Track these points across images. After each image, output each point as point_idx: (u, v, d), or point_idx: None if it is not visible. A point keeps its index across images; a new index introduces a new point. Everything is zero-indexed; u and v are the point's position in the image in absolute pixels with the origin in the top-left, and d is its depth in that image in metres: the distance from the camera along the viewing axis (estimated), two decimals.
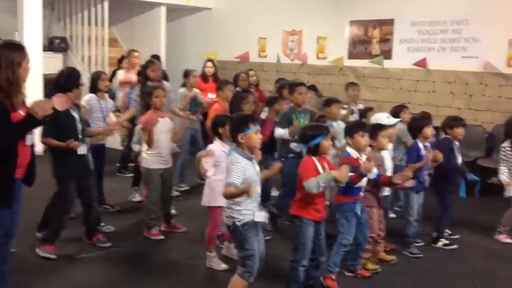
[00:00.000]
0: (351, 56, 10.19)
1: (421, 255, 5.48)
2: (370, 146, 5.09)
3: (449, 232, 5.88)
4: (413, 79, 9.43)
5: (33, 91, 9.49)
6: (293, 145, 5.98)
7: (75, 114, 5.18)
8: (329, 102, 6.53)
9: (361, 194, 4.82)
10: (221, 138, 5.03)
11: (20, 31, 9.55)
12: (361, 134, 4.79)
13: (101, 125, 6.26)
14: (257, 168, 4.04)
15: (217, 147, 5.01)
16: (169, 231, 6.02)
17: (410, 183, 5.06)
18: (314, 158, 4.31)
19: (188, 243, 5.75)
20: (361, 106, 7.87)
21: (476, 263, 5.40)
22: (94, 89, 6.44)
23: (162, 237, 5.81)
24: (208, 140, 6.86)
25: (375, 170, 4.79)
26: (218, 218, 5.06)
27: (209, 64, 9.62)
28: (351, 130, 4.88)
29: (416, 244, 5.61)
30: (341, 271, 4.93)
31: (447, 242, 5.78)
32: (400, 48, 9.55)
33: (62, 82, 5.24)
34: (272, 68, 11.24)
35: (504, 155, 6.00)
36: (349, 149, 4.84)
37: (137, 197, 7.13)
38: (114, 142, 9.24)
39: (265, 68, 11.32)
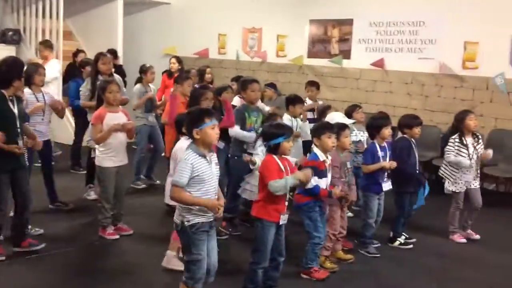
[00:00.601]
0: (311, 55, 10.22)
1: (378, 255, 5.50)
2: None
3: (406, 235, 5.90)
4: (370, 79, 9.52)
5: None
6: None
7: (15, 110, 4.95)
8: (293, 101, 6.50)
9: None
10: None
11: None
12: (328, 135, 4.75)
13: (39, 119, 6.03)
14: (214, 167, 3.85)
15: (185, 144, 4.88)
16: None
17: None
18: (275, 157, 4.26)
19: (143, 243, 5.62)
20: (320, 102, 7.93)
21: (432, 262, 5.45)
22: (28, 82, 5.93)
23: (117, 236, 5.66)
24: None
25: (313, 181, 4.72)
26: None
27: (173, 60, 9.51)
28: (318, 131, 4.82)
29: (374, 246, 5.63)
30: (298, 269, 4.92)
31: (402, 241, 5.82)
32: (358, 48, 9.63)
33: (4, 71, 4.93)
34: (231, 65, 11.17)
35: (452, 147, 5.99)
36: (316, 150, 4.81)
37: (92, 195, 6.95)
38: (66, 137, 9.02)
39: (225, 65, 11.24)
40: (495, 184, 8.12)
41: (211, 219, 3.84)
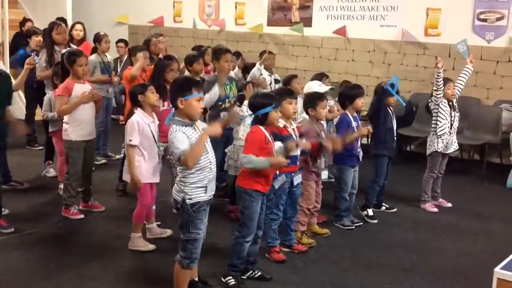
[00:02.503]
0: (271, 23, 9.96)
1: (353, 227, 5.42)
2: (308, 115, 4.94)
3: (387, 206, 5.89)
4: (332, 47, 9.37)
5: None
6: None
7: None
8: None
9: (297, 164, 4.59)
10: (141, 107, 4.71)
11: None
12: (289, 101, 4.52)
13: None
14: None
15: (139, 117, 4.68)
16: (88, 210, 5.58)
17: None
18: (262, 128, 4.03)
19: (110, 222, 5.37)
20: (276, 75, 7.70)
21: (408, 233, 5.41)
22: None
23: (81, 216, 5.37)
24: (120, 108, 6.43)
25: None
26: (147, 195, 4.76)
27: (79, 27, 8.41)
28: (280, 97, 4.59)
29: (356, 225, 5.52)
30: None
31: (372, 214, 5.71)
32: (320, 16, 9.43)
33: None
34: (188, 34, 10.80)
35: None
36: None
37: (51, 172, 6.59)
38: (17, 112, 8.51)
39: (181, 34, 10.86)
40: (459, 151, 8.16)
41: (211, 197, 3.69)
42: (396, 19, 8.73)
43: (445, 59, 8.33)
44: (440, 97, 5.89)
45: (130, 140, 4.58)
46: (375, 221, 5.69)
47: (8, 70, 7.38)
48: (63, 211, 5.37)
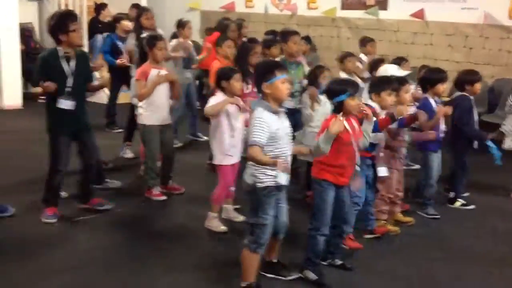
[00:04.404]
0: (344, 6, 9.76)
1: (438, 216, 5.23)
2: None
3: (464, 202, 5.62)
4: (410, 31, 9.09)
5: (9, 40, 9.01)
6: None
7: (65, 66, 4.70)
8: (343, 57, 6.13)
9: (374, 153, 4.50)
10: (224, 92, 4.66)
11: None
12: (389, 92, 4.41)
13: None
14: (286, 123, 3.61)
15: (219, 99, 4.63)
16: (167, 192, 5.61)
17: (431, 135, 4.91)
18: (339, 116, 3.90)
19: (190, 204, 5.40)
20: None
21: (494, 223, 5.19)
22: None
23: (164, 197, 5.43)
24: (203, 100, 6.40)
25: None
26: (228, 177, 4.75)
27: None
28: (378, 87, 4.47)
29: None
30: (360, 235, 4.66)
31: (464, 202, 5.53)
32: None
33: (50, 27, 4.70)
34: (259, 19, 10.73)
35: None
36: (373, 103, 4.46)
37: (128, 154, 6.71)
38: (100, 96, 8.72)
39: (252, 19, 10.77)
40: None
41: (284, 183, 3.60)
42: (478, 2, 8.37)
43: None
44: None
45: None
46: (473, 206, 5.51)
47: None
48: (146, 192, 5.45)
